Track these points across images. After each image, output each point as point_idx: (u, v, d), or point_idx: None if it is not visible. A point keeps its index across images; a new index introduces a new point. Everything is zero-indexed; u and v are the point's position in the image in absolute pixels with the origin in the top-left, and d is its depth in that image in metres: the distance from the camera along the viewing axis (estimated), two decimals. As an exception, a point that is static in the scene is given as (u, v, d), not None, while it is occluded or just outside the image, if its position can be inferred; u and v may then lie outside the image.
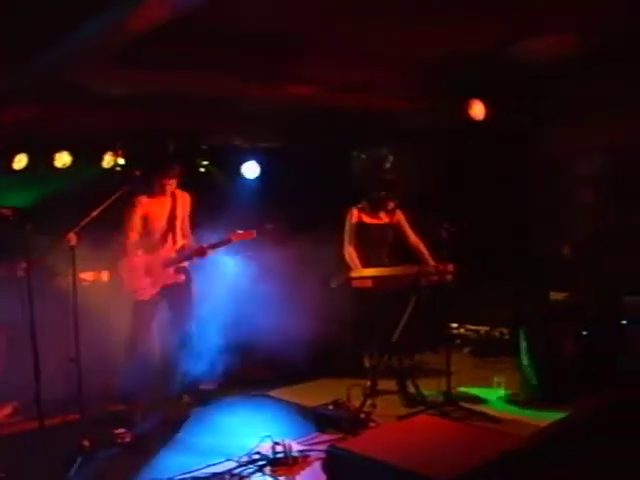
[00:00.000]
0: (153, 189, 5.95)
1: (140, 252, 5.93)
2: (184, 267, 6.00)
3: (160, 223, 5.95)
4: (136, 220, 5.88)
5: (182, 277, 5.94)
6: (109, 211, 5.46)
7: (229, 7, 4.53)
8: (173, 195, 6.01)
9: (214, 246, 5.91)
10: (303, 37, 5.41)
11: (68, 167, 7.31)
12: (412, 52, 5.99)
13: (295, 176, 8.52)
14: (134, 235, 5.87)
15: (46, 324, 4.66)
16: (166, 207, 5.98)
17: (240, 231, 5.83)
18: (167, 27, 3.96)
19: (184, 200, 6.10)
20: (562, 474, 4.20)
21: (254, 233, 5.86)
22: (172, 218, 5.99)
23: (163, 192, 5.93)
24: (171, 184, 5.91)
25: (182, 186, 6.11)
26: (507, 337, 7.77)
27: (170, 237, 5.97)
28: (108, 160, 7.55)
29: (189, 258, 5.94)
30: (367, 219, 6.34)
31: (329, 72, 6.07)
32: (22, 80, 4.97)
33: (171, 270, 5.90)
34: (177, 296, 5.93)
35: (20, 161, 7.10)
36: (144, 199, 5.93)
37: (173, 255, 5.94)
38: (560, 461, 4.34)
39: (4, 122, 6.44)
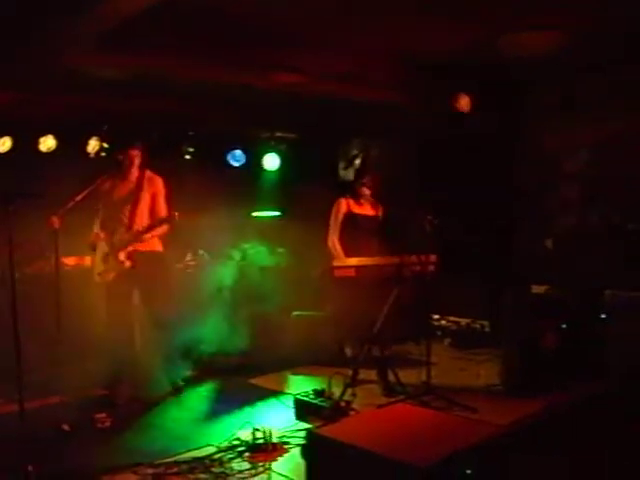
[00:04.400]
0: (118, 170, 5.93)
1: (102, 235, 5.91)
2: (149, 251, 5.93)
3: (118, 205, 5.91)
4: (99, 203, 5.91)
5: (131, 262, 5.80)
6: (92, 196, 5.47)
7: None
8: (140, 177, 5.96)
9: (149, 228, 5.79)
10: (290, 26, 5.43)
11: (53, 151, 7.27)
12: (399, 45, 6.02)
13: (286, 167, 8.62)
14: (99, 218, 5.91)
15: (27, 307, 4.65)
16: (127, 189, 5.95)
17: (163, 215, 5.79)
18: (154, 11, 3.95)
19: (154, 183, 6.03)
20: (540, 463, 4.26)
21: (175, 215, 5.67)
22: (134, 201, 5.92)
23: (126, 170, 5.91)
24: (135, 160, 5.89)
25: (153, 169, 6.07)
26: (488, 329, 7.82)
27: (128, 220, 5.89)
28: (93, 145, 7.51)
29: (137, 240, 5.81)
30: (356, 209, 6.34)
31: (315, 61, 6.07)
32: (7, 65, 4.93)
33: (122, 255, 5.79)
34: (141, 279, 5.86)
35: (4, 144, 7.07)
36: (107, 180, 5.91)
37: (125, 237, 5.83)
38: (538, 450, 4.40)
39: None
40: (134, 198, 5.91)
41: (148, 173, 6.03)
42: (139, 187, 5.95)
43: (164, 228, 5.84)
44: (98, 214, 5.97)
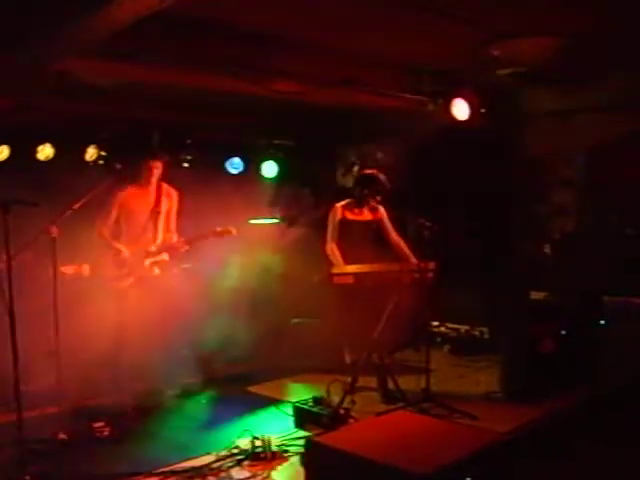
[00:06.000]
0: (136, 181, 5.96)
1: (120, 244, 5.94)
2: (163, 261, 5.99)
3: (141, 216, 5.96)
4: (114, 212, 5.91)
5: (157, 271, 5.95)
6: (90, 204, 5.46)
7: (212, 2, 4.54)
8: (158, 189, 6.01)
9: (190, 241, 5.92)
10: (288, 34, 5.44)
11: (51, 159, 7.26)
12: (397, 51, 6.03)
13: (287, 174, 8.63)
14: (106, 227, 5.95)
15: (26, 316, 4.63)
16: (149, 201, 6.00)
17: (218, 228, 5.83)
18: (152, 19, 3.95)
19: (170, 195, 6.12)
20: (543, 469, 4.26)
21: (232, 230, 5.84)
22: (154, 212, 5.99)
23: (147, 183, 5.95)
24: (156, 171, 5.92)
25: (169, 181, 6.11)
26: (487, 336, 7.80)
27: (151, 231, 5.98)
28: (91, 153, 7.51)
29: (165, 251, 5.94)
30: (350, 216, 6.32)
31: (314, 69, 6.07)
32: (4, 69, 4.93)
33: (147, 263, 5.90)
34: (154, 288, 5.91)
35: (2, 152, 7.05)
36: (126, 192, 5.95)
37: (151, 248, 5.95)
38: (540, 456, 4.40)
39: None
40: (155, 210, 6.00)
41: (165, 186, 6.10)
42: (159, 199, 6.02)
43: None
44: (106, 219, 5.98)
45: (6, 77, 4.98)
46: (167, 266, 6.08)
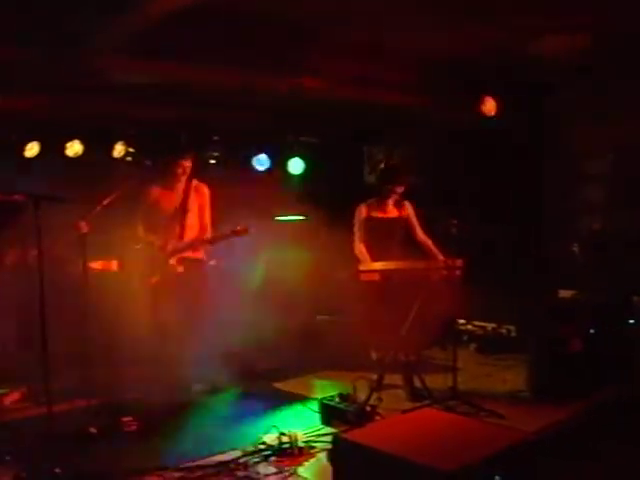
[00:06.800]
0: (165, 178, 5.99)
1: (147, 240, 5.98)
2: (190, 259, 6.01)
3: (168, 213, 5.98)
4: (145, 210, 5.93)
5: (182, 268, 5.94)
6: (119, 200, 5.52)
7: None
8: (187, 186, 6.03)
9: (211, 240, 5.97)
10: (314, 30, 5.44)
11: (80, 155, 7.33)
12: (424, 47, 6.00)
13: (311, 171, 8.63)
14: (141, 225, 5.95)
15: (56, 311, 4.68)
16: (176, 198, 6.01)
17: (238, 227, 5.79)
18: (183, 17, 3.98)
19: (200, 192, 6.14)
20: (570, 469, 4.22)
21: (250, 229, 5.79)
22: (182, 210, 6.01)
23: (176, 180, 5.97)
24: (185, 169, 5.94)
25: (199, 177, 6.14)
26: (514, 334, 7.75)
27: (177, 228, 5.99)
28: (119, 150, 7.57)
29: (190, 249, 5.97)
30: (375, 214, 6.29)
31: (341, 65, 6.07)
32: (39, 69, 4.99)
33: (173, 260, 5.92)
34: (180, 286, 5.92)
35: (32, 149, 7.13)
36: (155, 189, 5.98)
37: (176, 246, 5.95)
38: (564, 457, 4.36)
39: (17, 110, 6.48)
40: (184, 207, 6.01)
41: (195, 182, 6.12)
42: (187, 196, 6.03)
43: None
44: (138, 219, 6.03)
45: (40, 75, 5.04)
46: (198, 264, 6.08)
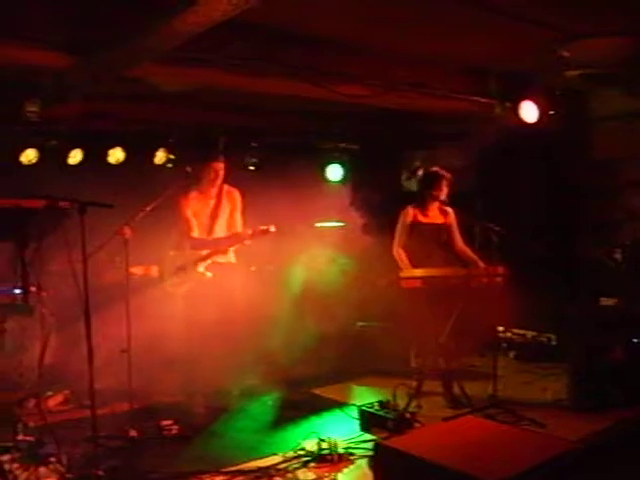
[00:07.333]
0: (201, 183, 6.02)
1: (181, 247, 6.02)
2: (225, 264, 6.02)
3: (202, 219, 6.02)
4: (189, 216, 5.97)
5: (212, 273, 5.94)
6: (161, 206, 5.57)
7: (280, 8, 4.58)
8: (219, 191, 6.05)
9: (229, 241, 5.94)
10: (355, 38, 5.46)
11: (121, 162, 7.42)
12: (464, 53, 5.99)
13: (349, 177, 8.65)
14: (191, 230, 5.97)
15: (98, 315, 4.74)
16: (209, 203, 6.04)
17: (263, 227, 5.74)
18: (223, 25, 4.01)
19: (232, 196, 6.15)
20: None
21: (271, 228, 5.73)
22: (214, 215, 6.04)
23: (211, 185, 6.00)
24: (219, 173, 5.96)
25: (234, 183, 6.17)
26: (554, 343, 7.66)
27: (208, 233, 6.02)
28: (160, 156, 7.65)
29: (218, 254, 5.96)
30: (421, 218, 6.26)
31: (377, 72, 6.07)
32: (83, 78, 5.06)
33: (202, 267, 5.92)
34: (213, 290, 5.90)
35: (75, 156, 7.24)
36: (192, 194, 6.02)
37: (206, 251, 5.96)
38: (606, 469, 4.29)
39: (61, 117, 6.58)
40: (215, 212, 6.04)
41: (226, 187, 6.14)
42: (219, 202, 6.07)
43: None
44: (181, 228, 6.05)
45: (81, 83, 5.11)
46: (224, 267, 6.06)
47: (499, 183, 7.81)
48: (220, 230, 6.06)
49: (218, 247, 5.92)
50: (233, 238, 5.93)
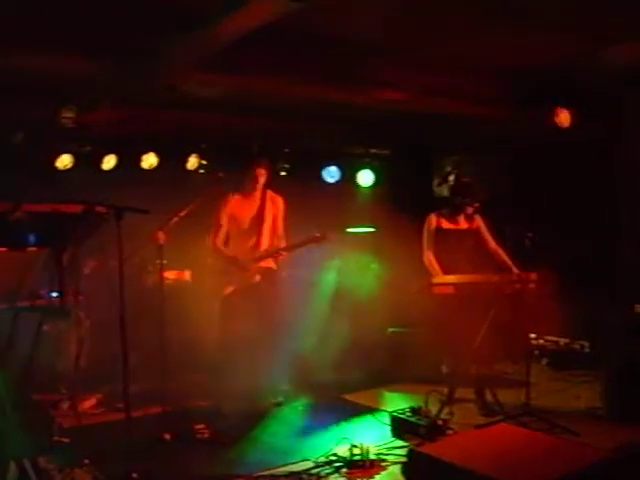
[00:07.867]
0: (242, 189, 6.06)
1: (225, 252, 6.06)
2: (267, 269, 6.08)
3: (245, 224, 6.06)
4: (224, 220, 6.02)
5: (259, 278, 6.02)
6: (194, 212, 5.62)
7: (316, 14, 4.60)
8: (263, 196, 6.11)
9: (288, 248, 6.01)
10: (389, 43, 5.47)
11: (154, 168, 7.49)
12: (497, 59, 5.97)
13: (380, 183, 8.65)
14: (221, 235, 6.01)
15: (133, 319, 4.79)
16: (253, 208, 6.10)
17: (317, 234, 5.85)
18: (260, 32, 4.04)
19: (275, 203, 6.20)
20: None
21: (330, 236, 5.86)
22: (258, 220, 6.08)
23: (253, 190, 6.05)
24: (261, 178, 6.02)
25: (274, 189, 6.21)
26: (587, 350, 7.57)
27: (253, 238, 6.07)
28: (193, 162, 7.71)
29: (267, 258, 6.03)
30: (446, 225, 6.23)
31: (412, 77, 6.07)
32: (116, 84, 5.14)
33: (250, 271, 5.99)
34: (256, 295, 5.98)
35: (109, 162, 7.33)
36: (234, 198, 6.07)
37: (252, 256, 6.02)
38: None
39: (95, 123, 6.67)
40: (259, 217, 6.09)
41: (270, 193, 6.19)
42: (263, 206, 6.12)
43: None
44: (218, 230, 6.11)
45: (120, 90, 5.18)
46: (271, 273, 6.13)
47: (531, 188, 7.75)
48: (266, 235, 6.11)
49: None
50: (290, 246, 6.08)
